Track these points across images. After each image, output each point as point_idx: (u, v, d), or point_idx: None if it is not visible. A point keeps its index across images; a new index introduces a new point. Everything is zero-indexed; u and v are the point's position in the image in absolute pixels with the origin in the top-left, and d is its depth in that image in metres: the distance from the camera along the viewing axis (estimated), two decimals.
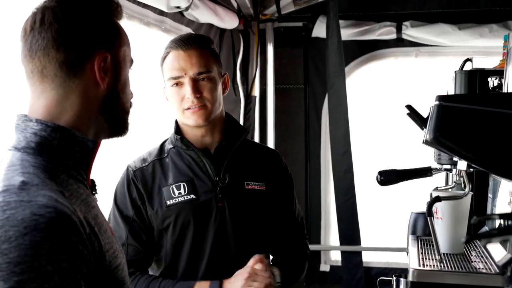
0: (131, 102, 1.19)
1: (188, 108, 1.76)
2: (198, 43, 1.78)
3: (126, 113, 1.17)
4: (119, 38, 1.14)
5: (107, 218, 1.81)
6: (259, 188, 1.84)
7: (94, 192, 1.15)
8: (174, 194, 1.76)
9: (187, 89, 1.74)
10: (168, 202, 1.76)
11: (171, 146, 1.84)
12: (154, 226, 1.78)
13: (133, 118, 1.20)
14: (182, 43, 1.77)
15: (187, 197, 1.75)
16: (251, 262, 1.68)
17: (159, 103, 2.78)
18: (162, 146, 1.87)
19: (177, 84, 1.76)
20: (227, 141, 1.84)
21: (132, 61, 1.18)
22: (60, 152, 1.07)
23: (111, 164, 2.19)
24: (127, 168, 1.83)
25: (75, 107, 1.09)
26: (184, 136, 1.81)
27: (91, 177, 1.15)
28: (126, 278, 1.13)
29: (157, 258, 1.83)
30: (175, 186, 1.77)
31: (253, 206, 1.83)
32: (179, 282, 1.73)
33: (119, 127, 1.16)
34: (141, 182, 1.79)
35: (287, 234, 1.92)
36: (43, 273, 0.91)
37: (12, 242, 0.91)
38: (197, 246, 1.76)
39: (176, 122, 1.85)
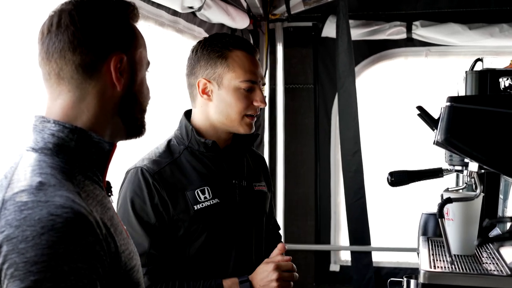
0: (147, 103, 1.19)
1: (250, 115, 1.71)
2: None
3: (143, 111, 1.17)
4: (135, 40, 1.14)
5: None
6: (263, 189, 1.86)
7: (109, 194, 1.16)
8: (200, 199, 1.69)
9: (260, 96, 1.70)
10: (195, 207, 1.68)
11: (183, 146, 1.74)
12: (181, 230, 1.69)
13: (149, 119, 1.21)
14: (248, 46, 1.72)
15: (212, 202, 1.70)
16: (275, 252, 1.70)
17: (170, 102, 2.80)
18: (169, 146, 1.75)
19: (249, 88, 1.70)
20: (237, 144, 1.80)
21: (148, 63, 1.19)
22: (77, 153, 1.08)
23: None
24: (142, 172, 1.67)
25: (92, 109, 1.09)
26: (204, 137, 1.73)
27: (106, 179, 1.16)
28: (141, 279, 1.13)
29: (178, 264, 1.74)
30: (199, 190, 1.70)
31: (263, 206, 1.86)
32: (206, 281, 1.69)
33: (136, 127, 1.17)
34: (163, 187, 1.67)
35: (273, 230, 1.99)
36: (60, 272, 0.92)
37: (29, 242, 0.92)
38: (224, 250, 1.73)
39: (189, 121, 1.75)
